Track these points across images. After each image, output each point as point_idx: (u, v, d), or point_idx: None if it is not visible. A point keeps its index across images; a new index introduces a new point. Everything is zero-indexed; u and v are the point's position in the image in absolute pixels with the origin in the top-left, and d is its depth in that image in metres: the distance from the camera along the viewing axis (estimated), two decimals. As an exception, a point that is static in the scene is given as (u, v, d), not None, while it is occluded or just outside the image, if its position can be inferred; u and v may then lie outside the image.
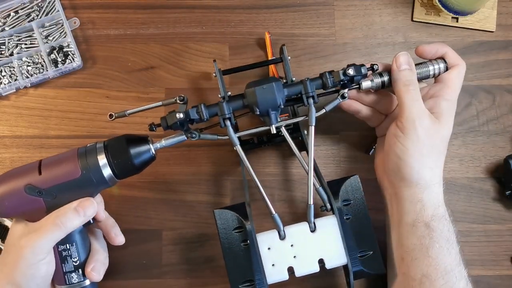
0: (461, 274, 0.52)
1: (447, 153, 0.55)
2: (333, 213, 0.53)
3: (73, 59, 0.65)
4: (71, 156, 0.50)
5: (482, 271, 0.63)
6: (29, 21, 0.65)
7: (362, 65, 0.54)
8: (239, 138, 0.54)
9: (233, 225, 0.53)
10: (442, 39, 0.67)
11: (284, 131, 0.54)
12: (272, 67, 0.63)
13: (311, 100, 0.53)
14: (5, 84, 0.64)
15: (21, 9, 0.66)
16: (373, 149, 0.64)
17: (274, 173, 0.64)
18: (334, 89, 0.56)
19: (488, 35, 0.67)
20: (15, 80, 0.64)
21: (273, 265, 0.52)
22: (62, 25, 0.65)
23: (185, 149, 0.64)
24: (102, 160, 0.50)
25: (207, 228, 0.62)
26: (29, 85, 0.65)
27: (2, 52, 0.65)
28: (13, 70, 0.65)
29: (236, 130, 0.53)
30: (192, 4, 0.67)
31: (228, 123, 0.53)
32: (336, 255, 0.52)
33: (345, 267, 0.54)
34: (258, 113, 0.52)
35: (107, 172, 0.50)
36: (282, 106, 0.53)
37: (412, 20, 0.68)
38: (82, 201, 0.50)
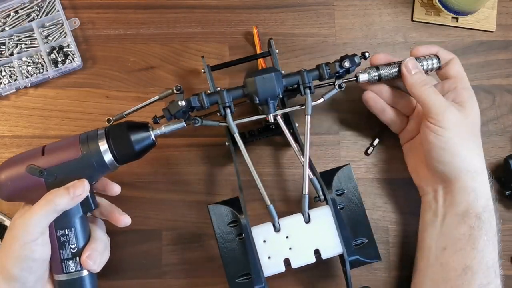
0: (497, 272, 0.52)
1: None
2: (327, 203, 0.53)
3: (73, 59, 0.65)
4: (73, 141, 0.52)
5: (482, 271, 0.63)
6: (29, 21, 0.65)
7: (355, 54, 0.56)
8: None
9: (228, 219, 0.54)
10: (442, 39, 0.67)
11: (280, 120, 0.56)
12: (261, 61, 0.63)
13: (308, 90, 0.55)
14: (5, 84, 0.64)
15: (21, 9, 0.66)
16: (373, 149, 0.64)
17: (270, 173, 0.64)
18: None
19: (488, 35, 0.67)
20: (15, 80, 0.64)
21: (269, 257, 0.52)
22: (62, 25, 0.65)
23: (185, 149, 0.64)
24: (103, 145, 0.51)
25: (207, 228, 0.62)
26: (29, 85, 0.65)
27: (2, 52, 0.65)
28: (13, 70, 0.65)
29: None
30: (192, 4, 0.67)
31: (228, 111, 0.54)
32: (331, 245, 0.52)
33: (341, 256, 0.54)
34: (257, 101, 0.54)
35: (108, 157, 0.51)
36: (281, 96, 0.54)
37: (412, 20, 0.68)
38: (75, 181, 0.50)
